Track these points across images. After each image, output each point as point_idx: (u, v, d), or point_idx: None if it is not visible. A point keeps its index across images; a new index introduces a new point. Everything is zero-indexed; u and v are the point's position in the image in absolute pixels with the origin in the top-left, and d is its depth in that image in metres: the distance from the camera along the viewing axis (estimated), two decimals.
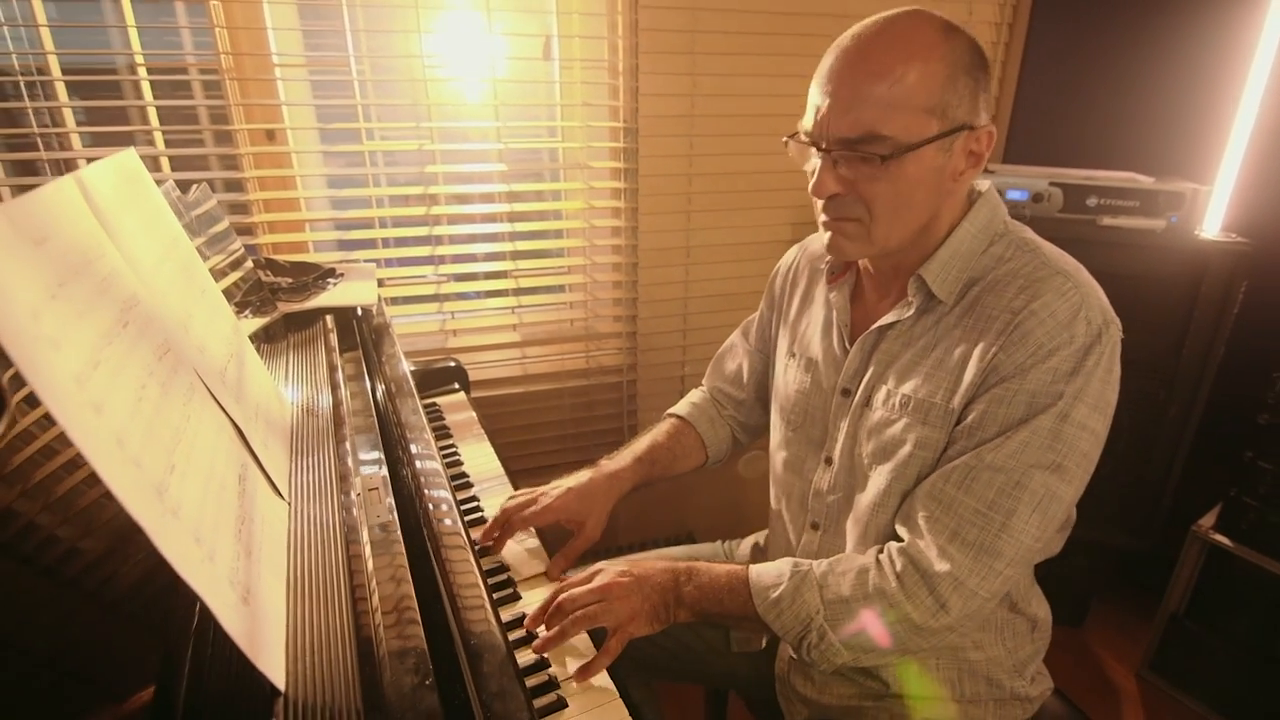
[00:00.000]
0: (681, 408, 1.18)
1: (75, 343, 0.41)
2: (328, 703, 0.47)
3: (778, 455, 1.03)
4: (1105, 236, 1.56)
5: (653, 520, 2.09)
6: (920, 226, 0.80)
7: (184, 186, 0.92)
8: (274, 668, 0.46)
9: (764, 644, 1.03)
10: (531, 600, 0.88)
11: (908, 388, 0.82)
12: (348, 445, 0.76)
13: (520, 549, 0.99)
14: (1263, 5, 1.58)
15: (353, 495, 0.67)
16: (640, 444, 1.12)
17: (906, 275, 0.84)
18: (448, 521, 0.73)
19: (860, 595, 0.78)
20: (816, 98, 0.77)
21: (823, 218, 0.82)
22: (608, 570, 0.83)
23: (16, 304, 0.36)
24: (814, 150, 0.78)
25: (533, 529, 1.01)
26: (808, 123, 0.78)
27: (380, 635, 0.52)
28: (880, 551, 0.81)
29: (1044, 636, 0.97)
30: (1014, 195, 1.63)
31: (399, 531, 0.64)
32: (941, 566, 0.75)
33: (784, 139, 0.82)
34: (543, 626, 0.80)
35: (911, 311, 0.83)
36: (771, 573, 0.83)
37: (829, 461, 0.92)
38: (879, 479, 0.84)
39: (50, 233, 0.45)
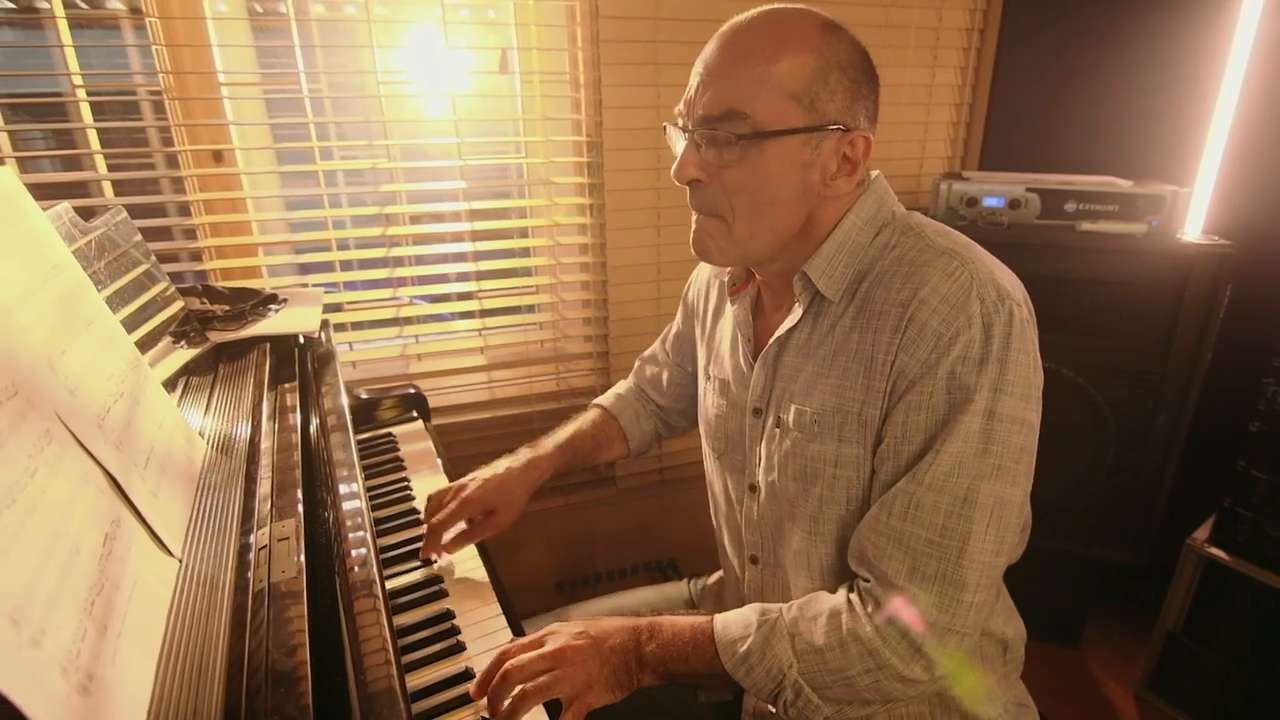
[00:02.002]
0: (607, 399, 1.19)
1: None
2: None
3: (712, 484, 0.98)
4: (1085, 242, 1.51)
5: (633, 546, 2.02)
6: (788, 231, 0.76)
7: (85, 214, 0.85)
8: None
9: (731, 696, 0.96)
10: (475, 651, 0.81)
11: (816, 403, 0.76)
12: (260, 489, 0.69)
13: (468, 590, 0.93)
14: (1237, 4, 1.55)
15: (254, 547, 0.60)
16: (563, 433, 1.13)
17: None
18: (362, 576, 0.65)
19: (835, 643, 0.71)
20: (691, 79, 0.75)
21: (693, 216, 0.79)
22: (561, 632, 0.74)
23: None
24: (683, 134, 0.75)
25: (474, 547, 0.98)
26: (680, 105, 0.76)
27: (258, 717, 0.45)
28: (850, 590, 0.74)
29: (1016, 658, 0.89)
30: (990, 202, 1.59)
31: (303, 588, 0.57)
32: (908, 610, 0.68)
33: (664, 125, 0.79)
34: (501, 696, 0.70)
35: (802, 313, 0.78)
36: (738, 623, 0.75)
37: (753, 489, 0.86)
38: (809, 506, 0.78)
39: None
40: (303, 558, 0.61)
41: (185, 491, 0.66)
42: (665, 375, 1.15)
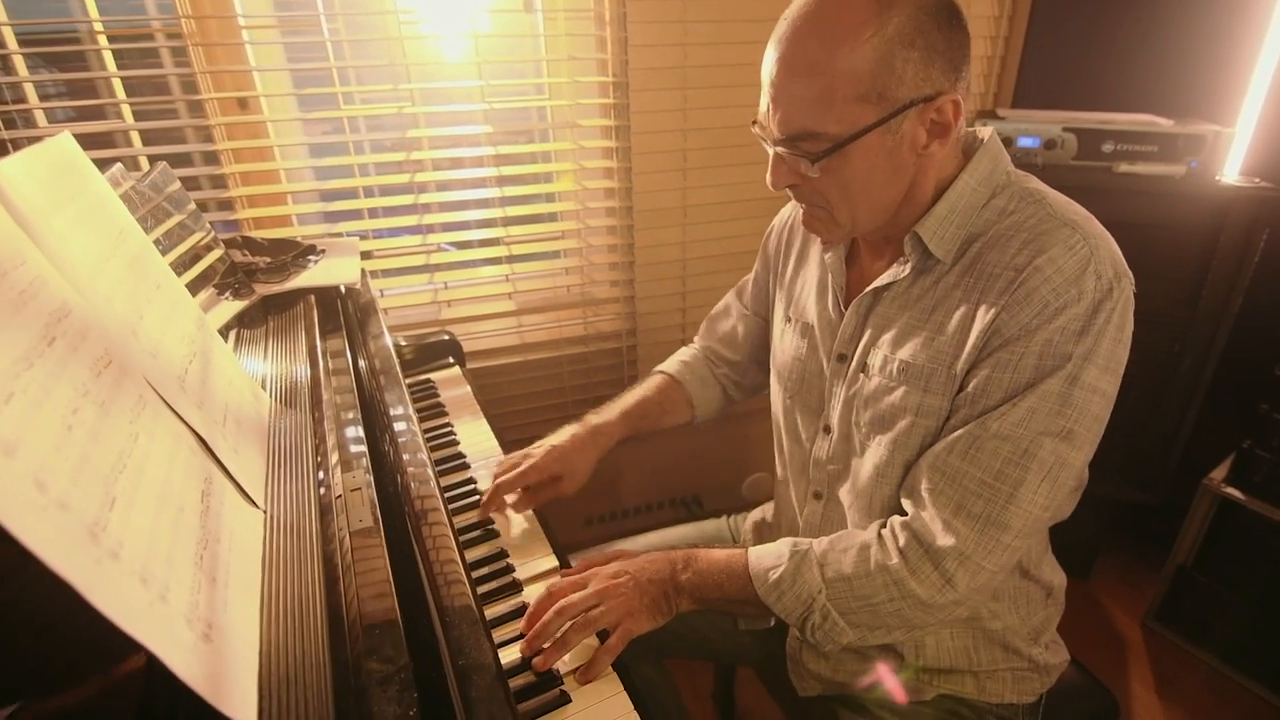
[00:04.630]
0: (671, 365, 1.19)
1: None
2: None
3: (779, 422, 1.01)
4: (1121, 184, 1.49)
5: (659, 482, 2.08)
6: (891, 205, 0.77)
7: (129, 165, 0.86)
8: (242, 705, 0.43)
9: (772, 621, 1.01)
10: (532, 594, 0.86)
11: (905, 353, 0.78)
12: (329, 441, 0.72)
13: (518, 532, 0.97)
14: None
15: (331, 495, 0.64)
16: (628, 399, 1.13)
17: (901, 234, 0.80)
18: (436, 528, 0.69)
19: (863, 572, 0.76)
20: (762, 89, 0.74)
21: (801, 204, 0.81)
22: (601, 573, 0.81)
23: None
24: (766, 145, 0.76)
25: (530, 510, 1.00)
26: (759, 113, 0.75)
27: (360, 661, 0.49)
28: (883, 526, 0.79)
29: (1058, 603, 0.95)
30: (1025, 142, 1.56)
31: (381, 535, 0.61)
32: (946, 541, 0.73)
33: (751, 124, 0.78)
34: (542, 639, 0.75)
35: (908, 271, 0.79)
36: (771, 554, 0.81)
37: (827, 430, 0.90)
38: (879, 450, 0.81)
39: None
40: (376, 506, 0.64)
41: (259, 445, 0.69)
42: (741, 329, 1.14)
